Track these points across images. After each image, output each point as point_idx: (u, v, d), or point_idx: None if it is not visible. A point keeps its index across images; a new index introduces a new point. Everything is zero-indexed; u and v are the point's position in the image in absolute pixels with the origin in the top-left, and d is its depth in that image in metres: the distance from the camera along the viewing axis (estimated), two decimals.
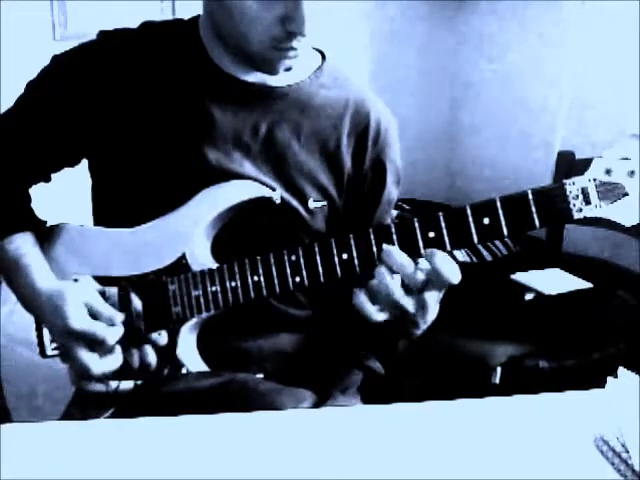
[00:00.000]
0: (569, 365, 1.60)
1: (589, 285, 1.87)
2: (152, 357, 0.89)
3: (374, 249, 0.79)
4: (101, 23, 1.02)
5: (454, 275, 0.76)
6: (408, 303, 0.78)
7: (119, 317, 0.88)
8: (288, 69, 0.89)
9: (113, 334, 0.87)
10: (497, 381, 1.62)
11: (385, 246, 0.78)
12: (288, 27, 0.81)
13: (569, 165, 1.87)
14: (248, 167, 0.93)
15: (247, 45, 0.85)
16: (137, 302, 0.91)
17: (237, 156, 0.93)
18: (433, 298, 0.79)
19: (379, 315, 0.79)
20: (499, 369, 1.62)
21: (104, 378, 0.88)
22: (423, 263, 0.77)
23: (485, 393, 0.81)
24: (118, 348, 0.88)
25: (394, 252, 0.77)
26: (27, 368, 0.97)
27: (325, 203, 0.97)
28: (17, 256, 0.94)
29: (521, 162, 2.41)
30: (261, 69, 0.90)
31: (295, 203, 0.95)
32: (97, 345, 0.86)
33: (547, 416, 0.75)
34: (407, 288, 0.78)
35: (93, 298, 0.88)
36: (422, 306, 0.79)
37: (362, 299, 0.79)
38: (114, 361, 0.88)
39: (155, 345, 0.90)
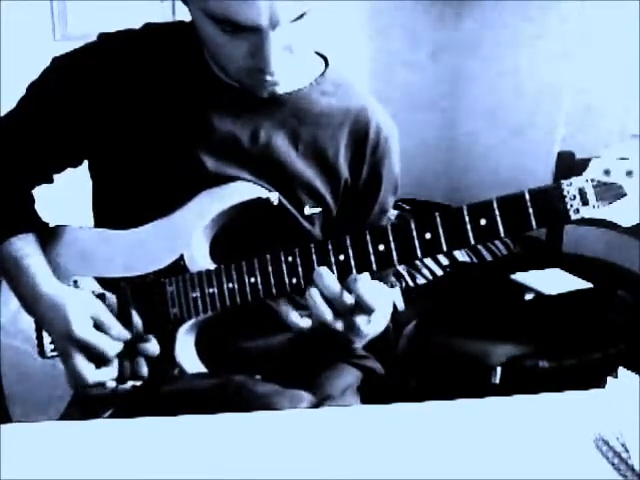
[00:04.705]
0: (569, 365, 1.60)
1: (589, 285, 1.87)
2: (144, 368, 0.90)
3: (370, 250, 0.79)
4: (101, 23, 1.02)
5: (377, 302, 0.79)
6: (337, 325, 0.80)
7: (125, 335, 0.88)
8: (272, 93, 0.88)
9: (114, 348, 0.87)
10: (497, 381, 1.61)
11: (317, 268, 0.79)
12: (255, 63, 0.81)
13: (569, 165, 1.87)
14: (245, 173, 0.93)
15: (227, 70, 0.87)
16: (135, 311, 0.91)
17: (235, 162, 0.93)
18: (363, 321, 0.80)
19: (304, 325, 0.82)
20: (499, 369, 1.61)
21: (98, 387, 0.88)
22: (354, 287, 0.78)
23: (485, 393, 0.81)
24: (115, 360, 0.89)
25: (324, 274, 0.78)
26: (27, 368, 0.97)
27: (320, 209, 0.96)
28: (19, 257, 0.94)
29: (521, 162, 2.41)
30: (246, 89, 0.89)
31: (292, 210, 0.94)
32: (96, 356, 0.87)
33: (547, 416, 0.75)
34: (336, 310, 0.79)
35: (100, 310, 0.89)
36: (351, 328, 0.81)
37: (286, 310, 0.82)
38: (110, 372, 0.88)
39: (146, 356, 0.90)
